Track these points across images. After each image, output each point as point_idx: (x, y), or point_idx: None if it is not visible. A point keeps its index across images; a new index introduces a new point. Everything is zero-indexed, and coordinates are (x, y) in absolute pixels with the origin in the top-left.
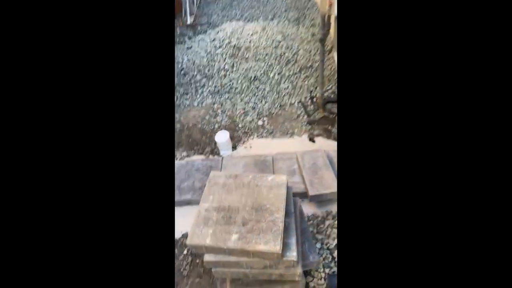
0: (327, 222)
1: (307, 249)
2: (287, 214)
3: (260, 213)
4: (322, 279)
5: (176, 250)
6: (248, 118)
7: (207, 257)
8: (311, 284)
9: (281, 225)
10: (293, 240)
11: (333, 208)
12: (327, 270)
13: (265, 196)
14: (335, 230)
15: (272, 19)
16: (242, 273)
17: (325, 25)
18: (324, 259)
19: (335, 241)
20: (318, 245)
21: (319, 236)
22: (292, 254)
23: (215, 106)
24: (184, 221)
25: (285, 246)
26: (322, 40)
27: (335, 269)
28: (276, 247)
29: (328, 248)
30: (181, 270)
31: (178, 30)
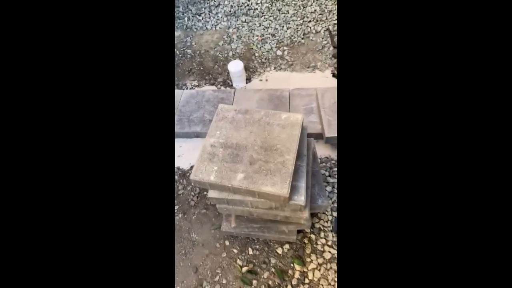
0: None
1: (317, 192)
2: (298, 156)
3: (269, 153)
4: (329, 222)
5: (184, 181)
6: (266, 47)
7: (211, 193)
8: (317, 225)
9: (291, 168)
10: (302, 184)
11: None
12: (335, 214)
13: (276, 135)
14: None
15: None
16: (247, 211)
17: None
18: (333, 202)
19: None
20: (329, 189)
21: (331, 180)
22: (300, 198)
23: (230, 30)
24: (194, 153)
25: (293, 189)
26: None
27: None
28: (284, 190)
29: None
30: (189, 200)
31: None
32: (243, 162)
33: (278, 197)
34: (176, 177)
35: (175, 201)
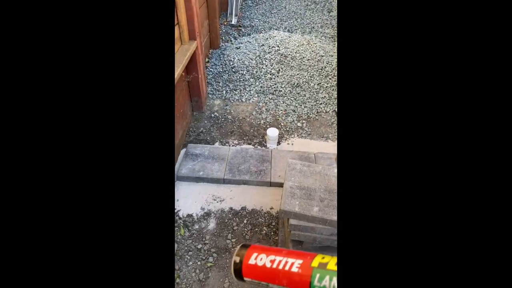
0: None
1: None
2: None
3: (332, 195)
4: None
5: (237, 219)
6: (289, 119)
7: (292, 221)
8: None
9: None
10: None
11: None
12: None
13: (333, 182)
14: None
15: (309, 32)
16: (313, 237)
17: None
18: None
19: None
20: None
21: None
22: None
23: (260, 104)
24: (244, 197)
25: None
26: None
27: None
28: None
29: None
30: (244, 234)
31: (223, 28)
32: (315, 199)
33: None
34: (230, 215)
35: (232, 235)
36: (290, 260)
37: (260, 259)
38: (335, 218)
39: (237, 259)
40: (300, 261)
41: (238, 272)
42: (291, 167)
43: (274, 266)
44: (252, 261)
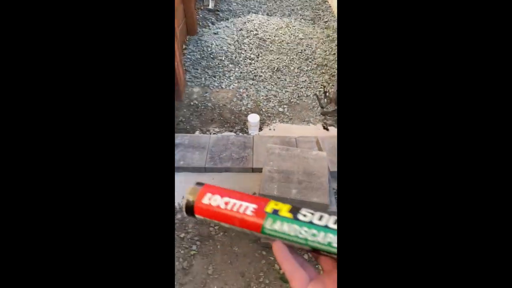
0: None
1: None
2: (328, 179)
3: (310, 177)
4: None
5: None
6: (270, 104)
7: None
8: None
9: (326, 186)
10: (332, 198)
11: None
12: None
13: (311, 165)
14: None
15: (289, 15)
16: None
17: None
18: None
19: None
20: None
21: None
22: (333, 207)
23: (241, 90)
24: (226, 184)
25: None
26: None
27: None
28: (325, 200)
29: None
30: None
31: (200, 13)
32: (294, 182)
33: (322, 205)
34: None
35: (215, 223)
36: (245, 204)
37: (214, 200)
38: (313, 199)
39: (190, 198)
40: (255, 206)
41: (190, 210)
42: (270, 152)
43: (229, 208)
44: (205, 200)
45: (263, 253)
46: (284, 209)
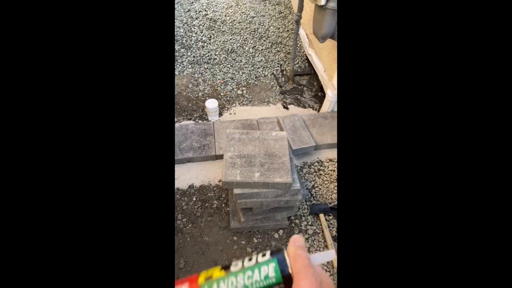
0: (304, 170)
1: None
2: (289, 158)
3: (272, 158)
4: (306, 209)
5: (186, 198)
6: (228, 87)
7: (236, 191)
8: (298, 213)
9: (288, 166)
10: (295, 176)
11: (308, 159)
12: (308, 203)
13: (272, 146)
14: (310, 176)
15: None
16: (259, 202)
17: (300, 8)
18: (306, 195)
19: (312, 183)
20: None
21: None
22: (297, 185)
23: (196, 75)
24: (190, 175)
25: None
26: (297, 21)
27: (314, 201)
28: (288, 179)
29: (307, 188)
30: (194, 212)
31: None
32: (256, 165)
33: (285, 184)
34: (178, 196)
35: (182, 215)
36: None
37: None
38: (276, 180)
39: None
40: (187, 284)
41: None
42: (229, 137)
43: None
44: None
45: (234, 239)
46: (216, 272)
